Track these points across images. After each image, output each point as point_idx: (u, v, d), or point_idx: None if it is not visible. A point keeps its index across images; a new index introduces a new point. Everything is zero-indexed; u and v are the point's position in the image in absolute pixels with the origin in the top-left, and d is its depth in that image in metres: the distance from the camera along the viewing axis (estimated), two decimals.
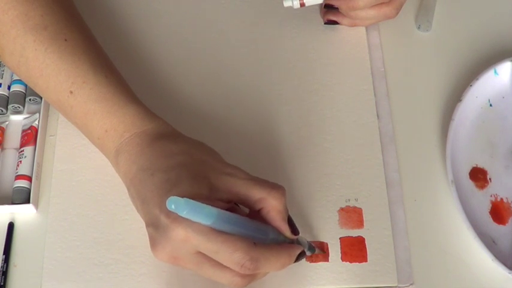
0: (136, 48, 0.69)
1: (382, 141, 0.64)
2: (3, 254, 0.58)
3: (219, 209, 0.48)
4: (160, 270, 0.57)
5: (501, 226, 0.60)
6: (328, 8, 0.68)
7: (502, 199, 0.61)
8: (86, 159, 0.62)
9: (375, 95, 0.66)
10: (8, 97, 0.65)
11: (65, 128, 0.63)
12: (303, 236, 0.56)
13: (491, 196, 0.61)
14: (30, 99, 0.65)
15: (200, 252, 0.50)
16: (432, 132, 0.65)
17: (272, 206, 0.52)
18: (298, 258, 0.53)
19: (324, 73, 0.67)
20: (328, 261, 0.58)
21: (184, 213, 0.46)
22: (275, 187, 0.53)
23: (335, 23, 0.69)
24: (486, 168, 0.63)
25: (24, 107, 0.65)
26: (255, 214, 0.53)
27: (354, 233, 0.59)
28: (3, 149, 0.63)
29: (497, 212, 0.61)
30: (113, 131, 0.55)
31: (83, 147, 0.62)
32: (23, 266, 0.58)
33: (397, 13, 0.66)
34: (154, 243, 0.51)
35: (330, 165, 0.62)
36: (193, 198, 0.47)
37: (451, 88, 0.67)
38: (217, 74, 0.67)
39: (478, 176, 0.62)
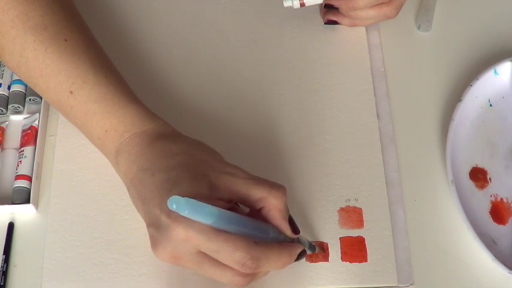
0: (136, 48, 0.69)
1: (382, 141, 0.64)
2: (3, 254, 0.58)
3: (220, 209, 0.48)
4: (160, 270, 0.57)
5: (501, 226, 0.60)
6: (328, 8, 0.68)
7: (502, 199, 0.61)
8: (86, 159, 0.62)
9: (375, 95, 0.66)
10: (8, 97, 0.65)
11: (65, 128, 0.63)
12: (303, 235, 0.56)
13: (491, 196, 0.61)
14: (30, 99, 0.65)
15: (201, 252, 0.50)
16: (432, 132, 0.65)
17: (273, 205, 0.52)
18: (298, 257, 0.53)
19: (324, 73, 0.67)
20: (328, 261, 0.58)
21: (185, 213, 0.46)
22: (275, 186, 0.53)
23: (335, 23, 0.69)
24: (486, 168, 0.63)
25: (24, 107, 0.65)
26: (256, 213, 0.53)
27: (354, 233, 0.59)
28: (3, 149, 0.63)
29: (497, 212, 0.61)
30: (112, 131, 0.55)
31: (83, 147, 0.62)
32: (23, 266, 0.58)
33: (397, 13, 0.66)
34: (155, 243, 0.51)
35: (330, 165, 0.62)
36: (193, 198, 0.47)
37: (451, 88, 0.67)
38: (217, 74, 0.67)
39: (478, 176, 0.62)
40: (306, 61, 0.68)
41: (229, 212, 0.50)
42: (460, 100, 0.63)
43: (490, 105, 0.65)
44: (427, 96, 0.67)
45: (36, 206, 0.61)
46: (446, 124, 0.63)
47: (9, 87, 0.65)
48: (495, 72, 0.65)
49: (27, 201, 0.60)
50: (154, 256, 0.52)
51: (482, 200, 0.61)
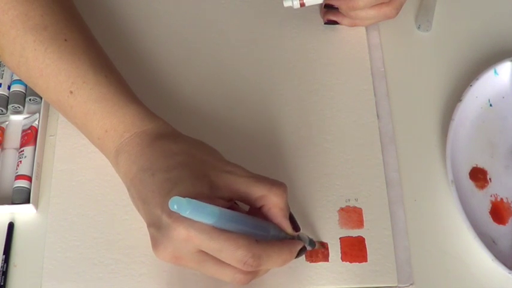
0: (136, 48, 0.69)
1: (382, 141, 0.64)
2: (3, 254, 0.58)
3: (221, 208, 0.49)
4: (160, 270, 0.57)
5: (501, 226, 0.60)
6: (328, 8, 0.68)
7: (502, 199, 0.61)
8: (86, 159, 0.62)
9: (375, 95, 0.66)
10: (8, 97, 0.65)
11: (65, 128, 0.63)
12: (303, 231, 0.56)
13: (491, 196, 0.61)
14: (30, 99, 0.65)
15: (202, 251, 0.50)
16: (432, 132, 0.65)
17: (273, 203, 0.52)
18: (299, 254, 0.53)
19: (324, 73, 0.67)
20: (328, 261, 0.58)
21: (186, 213, 0.46)
22: (276, 184, 0.53)
23: (335, 23, 0.69)
24: (486, 168, 0.63)
25: (24, 107, 0.65)
26: (256, 211, 0.53)
27: (354, 233, 0.59)
28: (3, 149, 0.63)
29: (497, 212, 0.61)
30: (112, 131, 0.55)
31: (83, 147, 0.62)
32: (23, 266, 0.58)
33: (397, 13, 0.66)
34: (156, 243, 0.51)
35: (330, 165, 0.62)
36: (194, 198, 0.47)
37: (451, 88, 0.67)
38: (217, 74, 0.67)
39: (478, 176, 0.62)
40: (306, 61, 0.68)
41: (230, 211, 0.50)
42: (460, 100, 0.63)
43: (490, 105, 0.65)
44: (427, 96, 0.67)
45: (36, 206, 0.61)
46: (446, 124, 0.63)
47: (9, 87, 0.65)
48: (495, 72, 0.65)
49: (27, 201, 0.60)
50: (154, 256, 0.52)
51: (482, 200, 0.61)
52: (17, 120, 0.65)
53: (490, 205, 0.61)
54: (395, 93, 0.67)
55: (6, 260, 0.58)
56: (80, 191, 0.61)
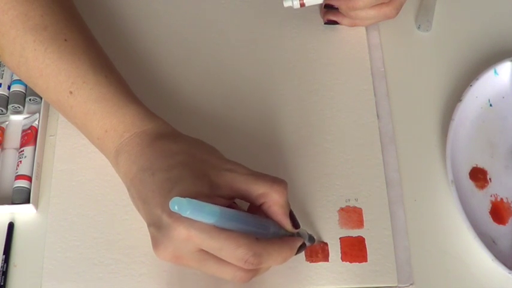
0: (136, 48, 0.69)
1: (382, 141, 0.64)
2: (3, 254, 0.58)
3: (222, 207, 0.49)
4: (160, 270, 0.57)
5: (501, 226, 0.60)
6: (328, 8, 0.68)
7: (502, 199, 0.61)
8: (86, 159, 0.62)
9: (375, 95, 0.66)
10: (8, 97, 0.65)
11: (65, 128, 0.63)
12: (303, 228, 0.56)
13: (491, 196, 0.61)
14: (30, 99, 0.65)
15: (202, 250, 0.50)
16: (432, 132, 0.65)
17: (274, 200, 0.52)
18: (298, 250, 0.53)
19: (324, 73, 0.67)
20: (328, 261, 0.58)
21: (187, 214, 0.46)
22: (277, 181, 0.53)
23: (335, 23, 0.69)
24: (486, 168, 0.63)
25: (24, 107, 0.65)
26: (255, 209, 0.53)
27: (354, 233, 0.59)
28: (3, 149, 0.63)
29: (497, 212, 0.61)
30: (112, 131, 0.55)
31: (83, 147, 0.62)
32: (23, 266, 0.58)
33: (397, 13, 0.66)
34: (156, 243, 0.51)
35: (330, 165, 0.62)
36: (194, 197, 0.47)
37: (451, 88, 0.67)
38: (217, 74, 0.67)
39: (478, 176, 0.62)
40: (306, 61, 0.68)
41: (230, 209, 0.50)
42: (460, 100, 0.63)
43: (490, 105, 0.65)
44: (427, 96, 0.67)
45: (36, 206, 0.61)
46: (446, 124, 0.63)
47: (9, 87, 0.65)
48: (495, 72, 0.65)
49: (27, 201, 0.60)
50: (154, 256, 0.52)
51: (482, 200, 0.61)
52: (17, 120, 0.65)
53: (490, 205, 0.61)
54: (395, 93, 0.67)
55: (6, 260, 0.58)
56: (80, 191, 0.61)
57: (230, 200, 0.53)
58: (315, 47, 0.69)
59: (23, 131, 0.63)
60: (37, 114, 0.64)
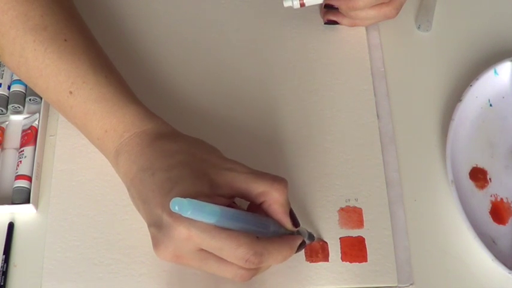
0: (136, 48, 0.69)
1: (382, 141, 0.64)
2: (3, 254, 0.58)
3: (222, 207, 0.49)
4: (160, 270, 0.57)
5: (501, 226, 0.60)
6: (328, 8, 0.68)
7: (502, 199, 0.61)
8: (86, 159, 0.62)
9: (375, 95, 0.66)
10: (8, 97, 0.65)
11: (65, 128, 0.63)
12: (303, 226, 0.56)
13: (491, 196, 0.61)
14: (30, 99, 0.65)
15: (203, 249, 0.50)
16: (432, 132, 0.65)
17: (274, 199, 0.52)
18: (298, 248, 0.53)
19: (324, 73, 0.67)
20: (328, 261, 0.58)
21: (188, 214, 0.46)
22: (277, 179, 0.53)
23: (335, 23, 0.69)
24: (486, 168, 0.63)
25: (24, 107, 0.65)
26: (255, 208, 0.53)
27: (354, 233, 0.59)
28: (3, 149, 0.63)
29: (497, 212, 0.61)
30: (112, 131, 0.55)
31: (83, 147, 0.62)
32: (23, 266, 0.58)
33: (397, 13, 0.66)
34: (157, 242, 0.51)
35: (330, 165, 0.62)
36: (194, 197, 0.47)
37: (451, 88, 0.67)
38: (217, 74, 0.67)
39: (478, 176, 0.62)
40: (306, 61, 0.68)
41: (231, 209, 0.50)
42: (460, 100, 0.63)
43: (490, 105, 0.65)
44: (427, 96, 0.67)
45: (36, 206, 0.61)
46: (446, 124, 0.63)
47: (9, 87, 0.65)
48: (495, 72, 0.65)
49: (27, 201, 0.60)
50: (154, 256, 0.52)
51: (482, 200, 0.61)
52: (17, 120, 0.65)
53: (490, 205, 0.61)
54: (395, 93, 0.67)
55: (6, 260, 0.58)
56: (80, 191, 0.61)
57: (230, 199, 0.53)
58: (315, 47, 0.69)
59: (23, 131, 0.63)
60: (37, 114, 0.64)
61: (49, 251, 0.58)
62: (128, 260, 0.58)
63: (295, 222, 0.54)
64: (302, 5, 0.67)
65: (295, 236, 0.54)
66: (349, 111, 0.65)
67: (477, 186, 0.62)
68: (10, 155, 0.63)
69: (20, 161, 0.61)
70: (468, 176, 0.62)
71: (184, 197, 0.47)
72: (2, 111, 0.65)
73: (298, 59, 0.68)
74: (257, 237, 0.50)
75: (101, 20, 0.70)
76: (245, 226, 0.50)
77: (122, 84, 0.57)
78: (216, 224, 0.48)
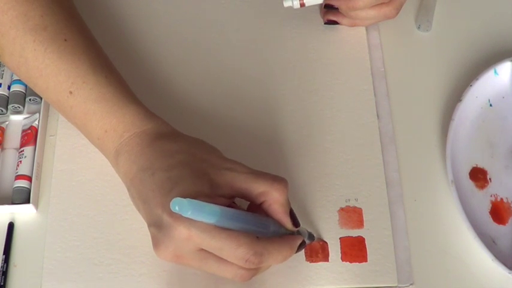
0: (136, 48, 0.69)
1: (382, 141, 0.64)
2: (3, 254, 0.58)
3: (222, 207, 0.49)
4: (160, 270, 0.57)
5: (501, 226, 0.60)
6: (328, 8, 0.68)
7: (502, 199, 0.61)
8: (86, 159, 0.62)
9: (375, 95, 0.66)
10: (8, 97, 0.65)
11: (65, 128, 0.64)
12: (303, 226, 0.56)
13: (491, 196, 0.61)
14: (30, 99, 0.65)
15: (203, 249, 0.50)
16: (432, 132, 0.65)
17: (274, 199, 0.52)
18: (298, 248, 0.53)
19: (324, 73, 0.67)
20: (328, 261, 0.58)
21: (188, 214, 0.46)
22: (277, 179, 0.53)
23: (335, 23, 0.69)
24: (486, 168, 0.63)
25: (24, 107, 0.65)
26: (255, 207, 0.53)
27: (354, 233, 0.59)
28: (3, 149, 0.63)
29: (497, 212, 0.61)
30: (112, 131, 0.55)
31: (83, 147, 0.62)
32: (23, 266, 0.58)
33: (397, 13, 0.66)
34: (157, 242, 0.51)
35: (330, 165, 0.62)
36: (194, 197, 0.47)
37: (451, 88, 0.67)
38: (217, 74, 0.67)
39: (478, 176, 0.62)
40: (306, 61, 0.68)
41: (231, 209, 0.50)
42: (460, 100, 0.63)
43: (490, 105, 0.65)
44: (427, 96, 0.67)
45: (36, 206, 0.61)
46: (446, 124, 0.63)
47: (9, 87, 0.65)
48: (495, 72, 0.65)
49: (27, 201, 0.60)
50: (154, 256, 0.52)
51: (482, 200, 0.61)
52: (17, 120, 0.65)
53: (490, 205, 0.61)
54: (395, 93, 0.67)
55: (6, 260, 0.58)
56: (80, 191, 0.61)
57: (230, 199, 0.53)
58: (315, 47, 0.69)
59: (23, 131, 0.63)
60: (37, 114, 0.64)
61: (49, 251, 0.58)
62: (128, 260, 0.58)
63: (295, 222, 0.54)
64: (302, 5, 0.67)
65: (295, 236, 0.54)
66: (349, 111, 0.65)
67: (477, 186, 0.62)
68: (10, 155, 0.63)
69: (20, 161, 0.61)
70: (468, 176, 0.62)
71: (185, 197, 0.47)
72: (2, 111, 0.65)
73: (298, 59, 0.68)
74: (257, 237, 0.50)
75: (101, 20, 0.70)
76: (245, 226, 0.50)
77: (121, 84, 0.57)
78: (216, 224, 0.48)
